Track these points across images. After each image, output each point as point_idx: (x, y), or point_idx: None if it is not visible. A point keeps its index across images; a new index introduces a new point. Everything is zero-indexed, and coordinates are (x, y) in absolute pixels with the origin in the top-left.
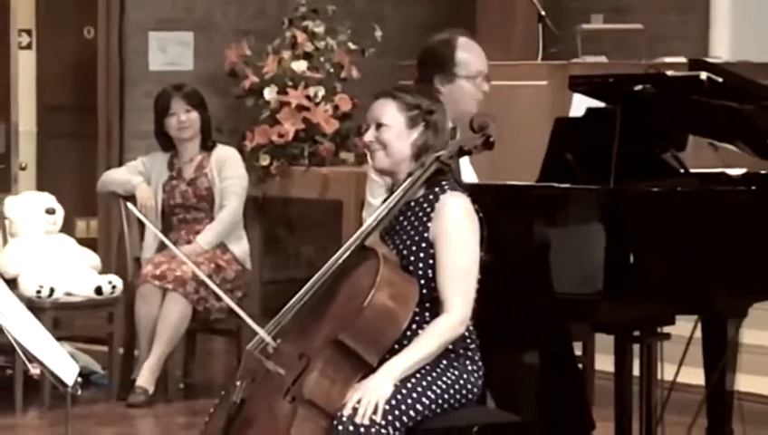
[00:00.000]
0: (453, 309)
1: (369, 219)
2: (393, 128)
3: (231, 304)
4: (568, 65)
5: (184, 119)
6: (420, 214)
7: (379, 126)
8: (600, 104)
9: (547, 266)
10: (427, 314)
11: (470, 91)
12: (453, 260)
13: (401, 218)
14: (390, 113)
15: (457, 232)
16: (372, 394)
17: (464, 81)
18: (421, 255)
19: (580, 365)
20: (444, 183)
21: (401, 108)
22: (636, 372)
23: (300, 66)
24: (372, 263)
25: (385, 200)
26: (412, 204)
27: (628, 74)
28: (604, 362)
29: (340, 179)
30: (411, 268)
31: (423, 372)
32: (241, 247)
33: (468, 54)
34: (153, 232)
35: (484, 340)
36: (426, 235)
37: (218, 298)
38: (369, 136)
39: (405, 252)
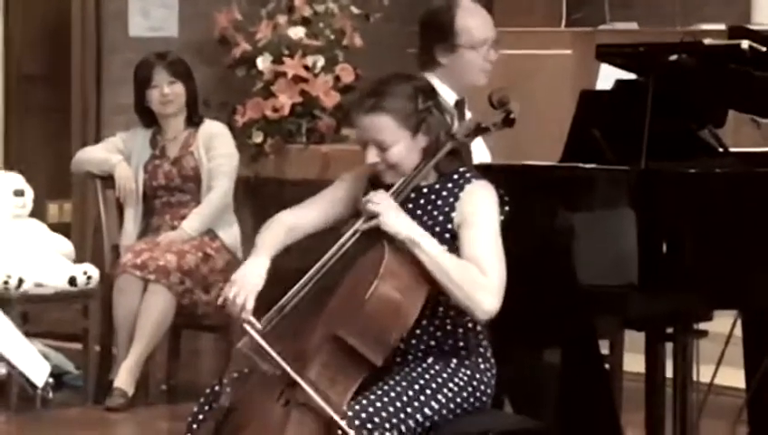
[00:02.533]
0: (489, 277)
1: None
2: (399, 145)
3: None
4: (595, 33)
5: (168, 91)
6: (440, 203)
7: (381, 148)
8: (631, 76)
9: (570, 256)
10: (440, 308)
11: (475, 61)
12: (486, 240)
13: (411, 206)
14: (391, 132)
15: (490, 218)
16: (384, 207)
17: (466, 50)
18: (444, 247)
19: (607, 365)
20: (465, 172)
21: (400, 121)
22: (669, 373)
23: (297, 32)
24: (377, 251)
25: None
26: (425, 190)
27: (661, 43)
28: (634, 362)
29: (341, 158)
30: None
31: (433, 372)
32: (231, 234)
33: (471, 20)
34: (133, 217)
35: (500, 337)
36: (449, 226)
37: (206, 290)
38: (373, 158)
39: None
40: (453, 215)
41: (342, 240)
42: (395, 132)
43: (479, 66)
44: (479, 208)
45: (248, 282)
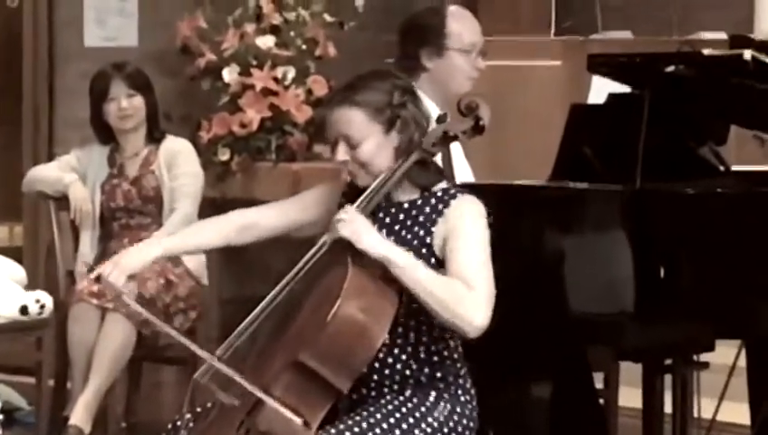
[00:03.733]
0: (476, 290)
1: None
2: (370, 142)
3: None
4: (586, 42)
5: (126, 105)
6: (421, 219)
7: (351, 144)
8: (625, 89)
9: (560, 281)
10: (411, 334)
11: (463, 67)
12: (473, 252)
13: (388, 221)
14: (361, 126)
15: (477, 230)
16: (357, 227)
17: (456, 54)
18: (421, 261)
19: (602, 400)
20: (449, 188)
21: (371, 114)
22: (668, 408)
23: (266, 42)
24: (340, 270)
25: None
26: (406, 206)
27: (657, 53)
28: (630, 396)
29: (313, 177)
30: None
31: (410, 405)
32: (196, 259)
33: (461, 24)
34: (89, 240)
35: (486, 368)
36: (427, 239)
37: (168, 319)
38: (343, 155)
39: None
40: (433, 229)
41: (306, 258)
42: (365, 127)
43: (466, 73)
44: (466, 221)
45: (125, 262)
